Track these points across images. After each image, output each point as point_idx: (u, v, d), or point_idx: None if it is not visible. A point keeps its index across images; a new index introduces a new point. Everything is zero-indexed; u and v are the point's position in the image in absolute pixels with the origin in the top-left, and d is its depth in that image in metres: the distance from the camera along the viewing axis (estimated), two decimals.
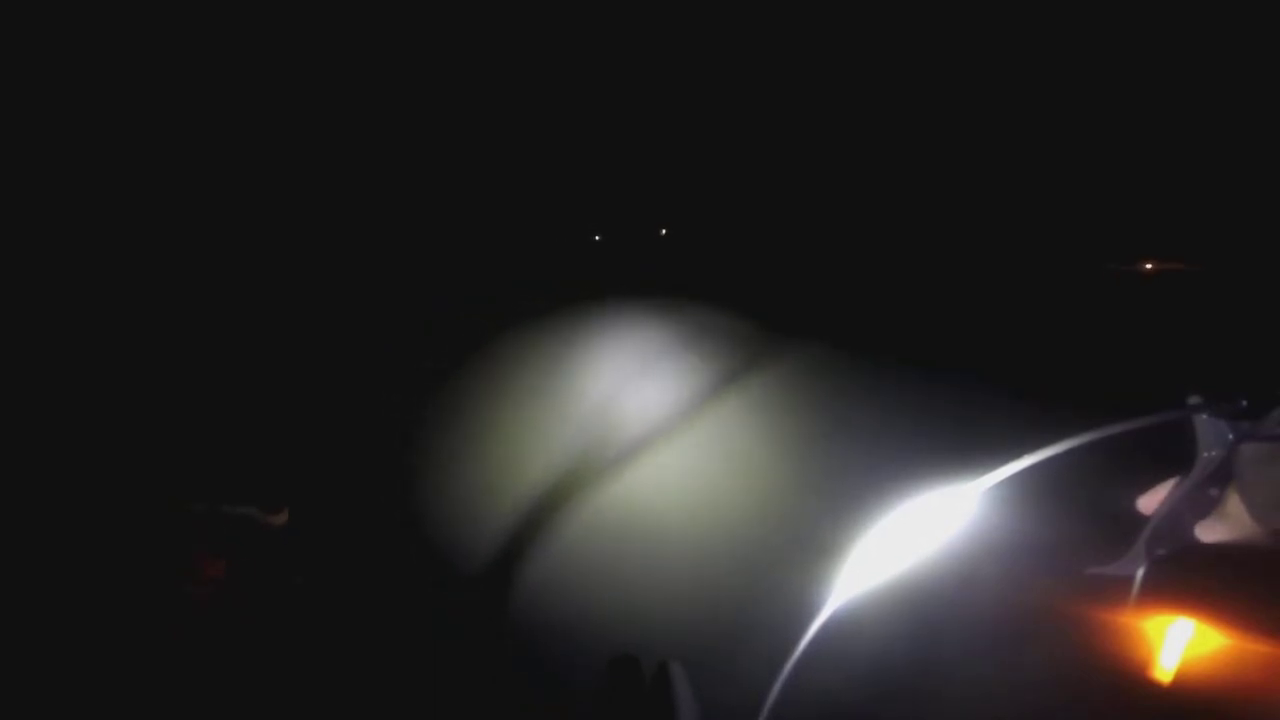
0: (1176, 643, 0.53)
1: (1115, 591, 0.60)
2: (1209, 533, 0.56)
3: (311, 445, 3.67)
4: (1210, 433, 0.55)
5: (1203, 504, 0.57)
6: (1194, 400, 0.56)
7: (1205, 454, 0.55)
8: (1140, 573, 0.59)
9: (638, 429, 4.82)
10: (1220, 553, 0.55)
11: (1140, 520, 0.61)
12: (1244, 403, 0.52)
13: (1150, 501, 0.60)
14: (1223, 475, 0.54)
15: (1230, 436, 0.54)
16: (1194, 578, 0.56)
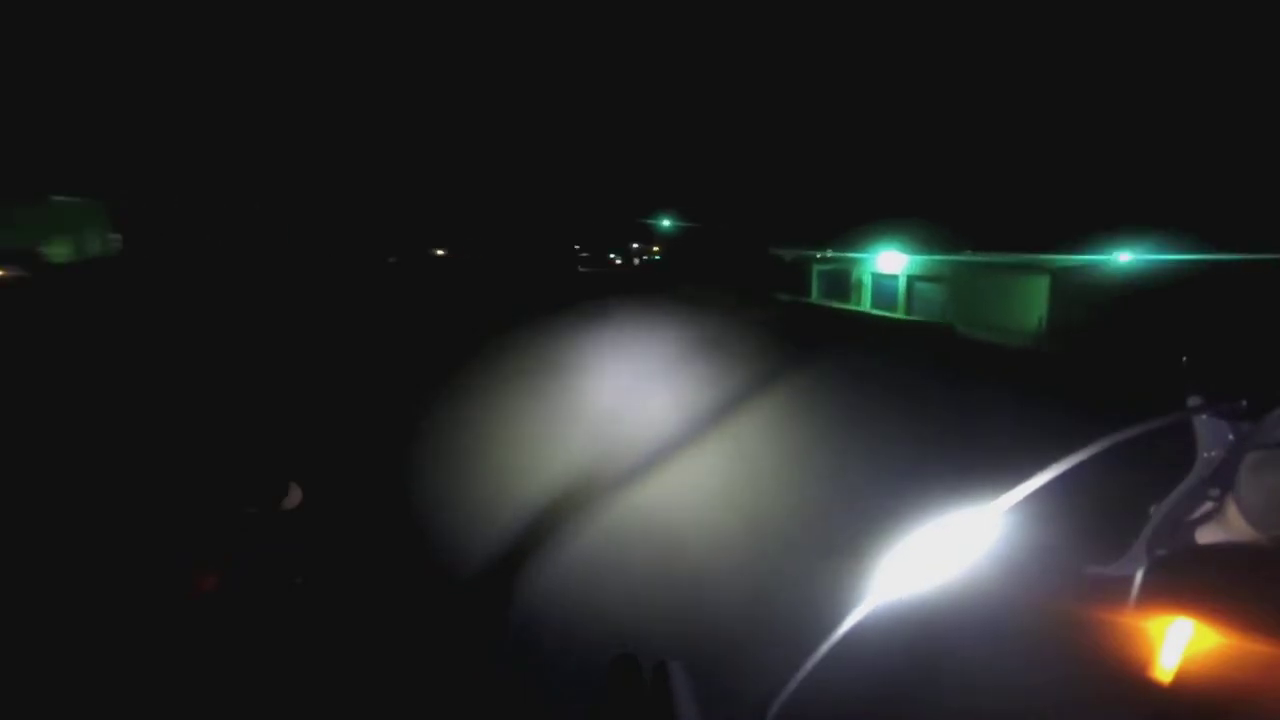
0: (1176, 643, 0.52)
1: (1115, 591, 0.60)
2: (1208, 535, 0.56)
3: (319, 448, 3.67)
4: (1210, 433, 0.55)
5: (1203, 505, 0.56)
6: (1194, 401, 0.56)
7: (1205, 454, 0.55)
8: (1140, 573, 0.59)
9: (653, 436, 4.82)
10: (1220, 553, 0.55)
11: (1140, 520, 0.61)
12: (1244, 403, 0.52)
13: (1151, 502, 0.60)
14: (1223, 476, 0.54)
15: (1230, 437, 0.54)
16: (1194, 577, 0.56)
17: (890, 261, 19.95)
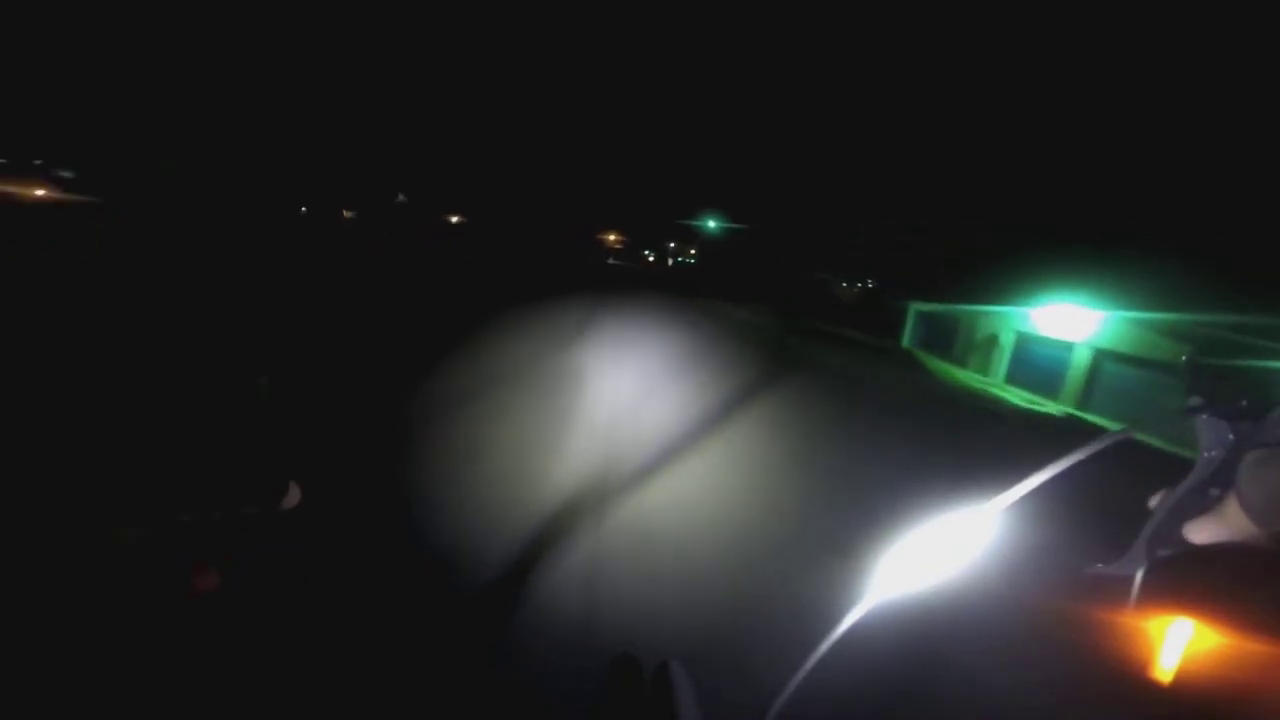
0: (1176, 643, 0.52)
1: (1115, 591, 0.60)
2: (1209, 534, 0.56)
3: (319, 447, 3.67)
4: (1210, 433, 0.55)
5: (1203, 504, 0.56)
6: (1194, 401, 0.56)
7: (1205, 454, 0.55)
8: (1140, 573, 0.59)
9: (654, 438, 4.83)
10: (1221, 553, 0.54)
11: (1140, 520, 0.61)
12: (1244, 403, 0.52)
13: (1151, 501, 0.60)
14: (1223, 475, 0.54)
15: (1230, 437, 0.54)
16: (1194, 577, 0.56)
17: (1058, 320, 11.71)
